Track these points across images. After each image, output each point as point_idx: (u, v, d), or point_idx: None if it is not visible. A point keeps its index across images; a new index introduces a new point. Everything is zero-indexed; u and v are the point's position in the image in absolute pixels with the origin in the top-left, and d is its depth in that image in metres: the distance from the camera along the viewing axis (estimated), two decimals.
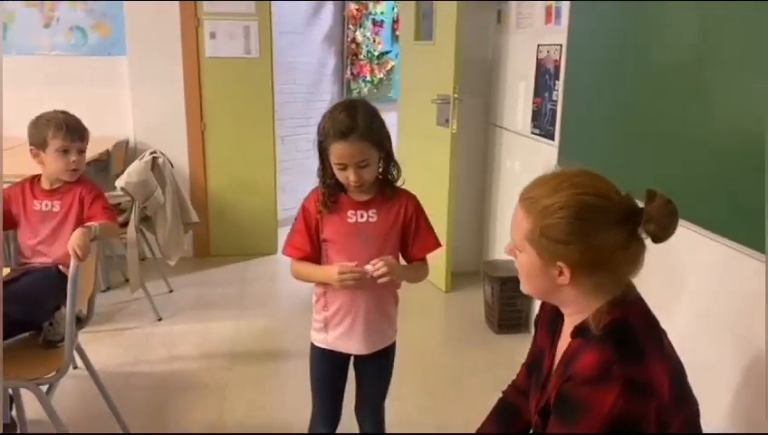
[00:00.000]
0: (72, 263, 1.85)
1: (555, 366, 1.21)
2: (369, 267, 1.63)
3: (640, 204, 1.11)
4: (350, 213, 1.73)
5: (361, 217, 1.73)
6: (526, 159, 3.38)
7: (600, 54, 2.50)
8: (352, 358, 1.84)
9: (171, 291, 3.74)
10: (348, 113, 1.63)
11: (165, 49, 4.02)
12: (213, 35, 4.06)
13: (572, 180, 1.12)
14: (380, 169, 1.72)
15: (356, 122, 1.61)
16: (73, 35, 4.04)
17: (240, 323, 3.34)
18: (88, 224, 2.04)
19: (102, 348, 3.04)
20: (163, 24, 3.99)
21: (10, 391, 2.13)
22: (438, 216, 3.70)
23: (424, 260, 1.82)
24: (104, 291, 3.71)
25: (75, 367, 2.71)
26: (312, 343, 1.85)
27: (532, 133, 3.20)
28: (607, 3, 2.42)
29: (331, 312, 1.78)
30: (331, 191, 1.71)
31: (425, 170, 3.86)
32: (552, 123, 2.95)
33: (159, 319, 3.37)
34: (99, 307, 3.45)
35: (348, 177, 1.64)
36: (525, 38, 3.30)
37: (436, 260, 3.77)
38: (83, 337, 3.04)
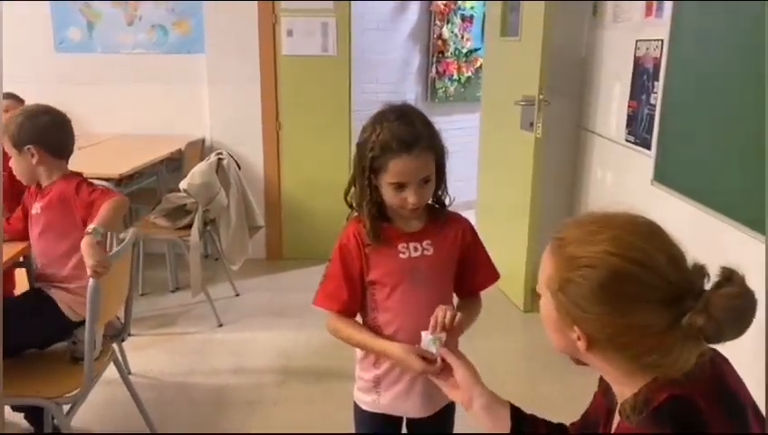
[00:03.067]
0: (91, 280, 1.72)
1: None
2: (428, 337, 1.29)
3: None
4: (401, 247, 1.41)
5: (415, 250, 1.42)
6: (619, 169, 2.99)
7: (709, 53, 2.10)
8: (405, 419, 1.54)
9: (237, 295, 3.66)
10: (405, 120, 1.34)
11: (242, 47, 3.94)
12: (290, 33, 3.94)
13: (614, 232, 0.84)
14: (439, 187, 1.42)
15: (418, 131, 1.33)
16: (155, 33, 4.06)
17: (300, 335, 3.18)
18: (88, 228, 1.84)
19: (160, 353, 2.99)
20: (241, 21, 3.91)
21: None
22: (519, 228, 3.38)
23: (478, 295, 1.52)
24: (173, 291, 3.69)
25: (130, 372, 2.66)
26: (355, 405, 1.57)
27: (627, 141, 2.82)
28: None
29: (383, 369, 1.47)
30: (377, 221, 1.41)
31: (506, 178, 3.55)
32: (649, 130, 2.56)
33: (220, 325, 3.29)
34: (164, 309, 3.51)
35: (406, 198, 1.33)
36: (622, 33, 2.91)
37: (515, 277, 3.47)
38: (141, 341, 3.05)
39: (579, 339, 0.88)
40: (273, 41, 3.94)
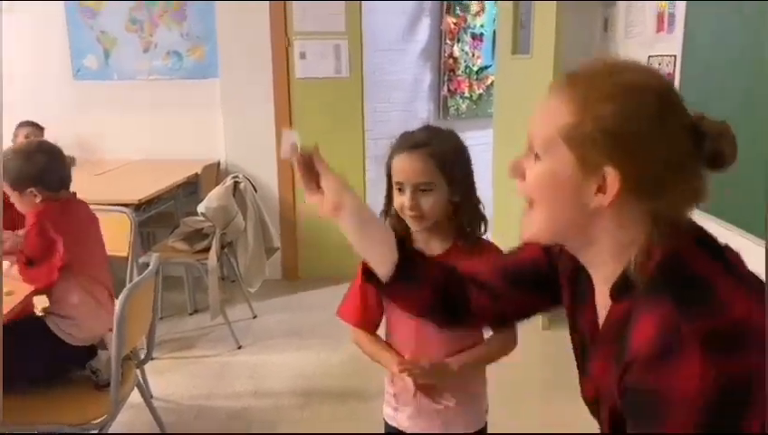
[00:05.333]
0: (118, 307, 1.74)
1: (596, 344, 0.90)
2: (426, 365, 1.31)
3: None
4: None
5: None
6: None
7: (723, 67, 2.11)
8: None
9: (255, 317, 3.67)
10: (425, 130, 1.37)
11: (256, 70, 3.99)
12: (303, 55, 3.99)
13: (635, 65, 0.84)
14: (455, 214, 1.38)
15: (429, 139, 1.34)
16: (170, 59, 4.12)
17: (319, 356, 3.18)
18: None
19: (180, 377, 3.00)
20: (254, 45, 3.97)
21: None
22: None
23: (511, 327, 1.41)
24: (191, 314, 3.71)
25: (151, 396, 2.68)
26: (384, 420, 1.55)
27: None
28: (730, 2, 2.04)
29: (398, 387, 1.45)
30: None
31: (520, 202, 3.55)
32: None
33: (239, 347, 3.30)
34: (183, 332, 3.53)
35: (403, 202, 1.32)
36: (634, 48, 2.93)
37: None
38: (161, 364, 3.06)
39: (600, 190, 0.80)
40: (286, 64, 3.99)
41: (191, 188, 3.80)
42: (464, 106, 5.19)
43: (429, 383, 1.31)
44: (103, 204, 2.62)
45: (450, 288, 1.09)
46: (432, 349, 1.38)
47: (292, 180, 4.15)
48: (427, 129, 1.40)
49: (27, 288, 1.90)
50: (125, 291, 1.81)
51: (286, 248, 4.13)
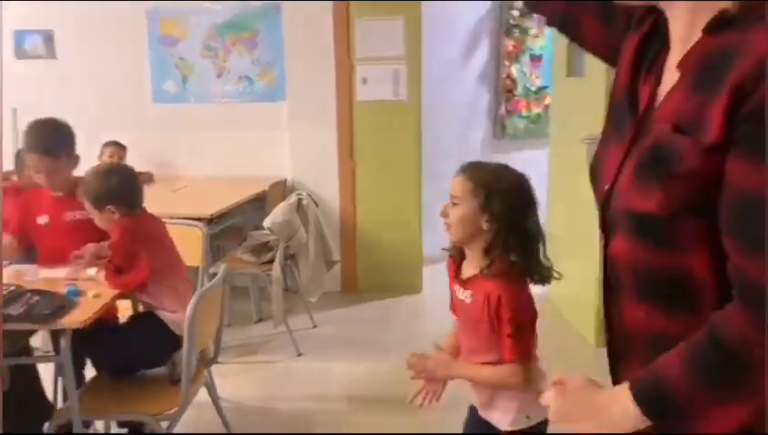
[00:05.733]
0: (189, 311, 1.95)
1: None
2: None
3: None
4: (456, 287, 1.61)
5: (462, 294, 1.58)
6: None
7: None
8: None
9: (315, 326, 3.86)
10: (488, 163, 1.58)
11: (320, 94, 4.22)
12: (364, 80, 4.20)
13: None
14: (488, 243, 1.51)
15: (479, 166, 1.55)
16: (242, 84, 4.42)
17: (376, 365, 3.31)
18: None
19: (243, 381, 3.21)
20: (319, 71, 4.20)
21: None
22: (588, 263, 3.42)
23: (511, 362, 1.49)
24: (257, 322, 3.94)
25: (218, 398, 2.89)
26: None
27: None
28: None
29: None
30: (455, 251, 1.61)
31: (574, 219, 3.61)
32: None
33: (299, 354, 3.49)
34: (247, 338, 3.75)
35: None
36: None
37: (585, 312, 3.50)
38: (227, 368, 3.27)
39: None
40: (348, 88, 4.21)
41: (259, 204, 4.05)
42: (521, 126, 5.27)
43: (431, 375, 1.63)
44: (179, 218, 2.87)
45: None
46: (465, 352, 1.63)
47: (353, 197, 4.35)
48: (488, 163, 1.59)
49: (111, 292, 2.14)
50: (195, 296, 2.03)
51: (346, 262, 4.32)
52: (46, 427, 2.07)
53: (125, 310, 2.54)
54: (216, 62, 4.39)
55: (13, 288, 1.94)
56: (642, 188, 0.86)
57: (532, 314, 1.54)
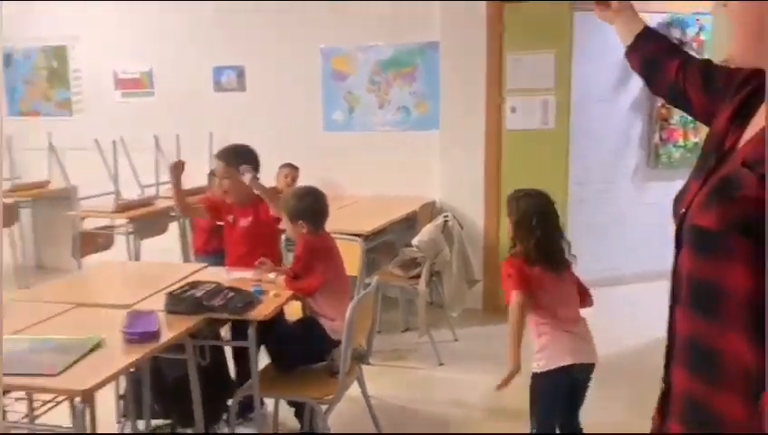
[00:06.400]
0: (348, 314, 2.35)
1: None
2: None
3: None
4: None
5: None
6: None
7: None
8: None
9: (456, 340, 4.14)
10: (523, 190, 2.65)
11: (471, 123, 4.54)
12: (513, 110, 4.44)
13: None
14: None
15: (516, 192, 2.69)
16: (400, 114, 4.86)
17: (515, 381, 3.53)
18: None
19: (389, 382, 3.57)
20: (471, 101, 4.52)
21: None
22: None
23: None
24: (403, 332, 4.31)
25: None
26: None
27: None
28: None
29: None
30: None
31: None
32: None
33: (441, 364, 3.79)
34: (394, 345, 4.13)
35: None
36: None
37: None
38: (375, 370, 3.66)
39: None
40: (498, 117, 4.48)
41: (410, 223, 4.42)
42: (677, 155, 5.19)
43: None
44: (341, 233, 3.31)
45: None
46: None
47: (497, 221, 4.58)
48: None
49: (288, 293, 2.60)
50: (354, 301, 2.44)
51: (488, 282, 4.56)
52: (230, 402, 2.57)
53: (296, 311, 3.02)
54: (378, 94, 4.88)
55: (214, 285, 2.46)
56: (706, 208, 1.05)
57: None
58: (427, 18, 4.67)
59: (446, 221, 3.85)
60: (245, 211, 3.08)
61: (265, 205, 3.01)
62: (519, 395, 3.35)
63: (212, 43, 5.28)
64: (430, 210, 4.63)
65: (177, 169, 3.13)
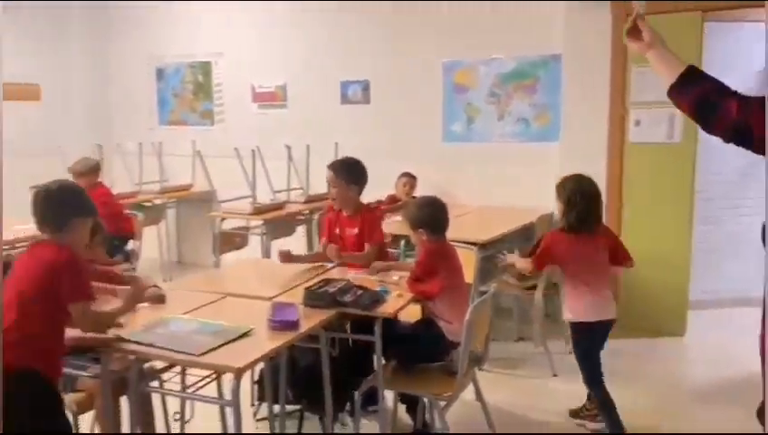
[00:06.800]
0: (467, 318, 2.48)
1: None
2: None
3: None
4: None
5: None
6: None
7: None
8: None
9: (570, 353, 4.12)
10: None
11: (592, 135, 4.52)
12: (637, 123, 4.38)
13: None
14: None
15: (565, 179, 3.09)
16: (519, 125, 4.92)
17: (627, 392, 3.47)
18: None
19: (504, 388, 3.66)
20: (594, 113, 4.51)
21: (426, 401, 2.93)
22: None
23: None
24: (516, 341, 4.36)
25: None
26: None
27: None
28: None
29: None
30: None
31: None
32: None
33: (554, 375, 3.82)
34: (510, 354, 4.19)
35: None
36: None
37: None
38: (489, 376, 3.76)
39: None
40: (621, 130, 4.43)
41: (527, 234, 4.47)
42: None
43: None
44: (457, 241, 3.43)
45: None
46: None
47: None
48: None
49: (410, 295, 2.77)
50: (472, 306, 2.56)
51: None
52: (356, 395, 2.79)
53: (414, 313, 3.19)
54: (498, 106, 4.98)
55: (345, 283, 2.68)
56: None
57: None
58: (551, 31, 4.71)
59: None
60: (352, 221, 3.33)
61: (371, 215, 3.31)
62: (639, 413, 3.34)
63: (339, 59, 5.62)
64: (547, 222, 4.65)
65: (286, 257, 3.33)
